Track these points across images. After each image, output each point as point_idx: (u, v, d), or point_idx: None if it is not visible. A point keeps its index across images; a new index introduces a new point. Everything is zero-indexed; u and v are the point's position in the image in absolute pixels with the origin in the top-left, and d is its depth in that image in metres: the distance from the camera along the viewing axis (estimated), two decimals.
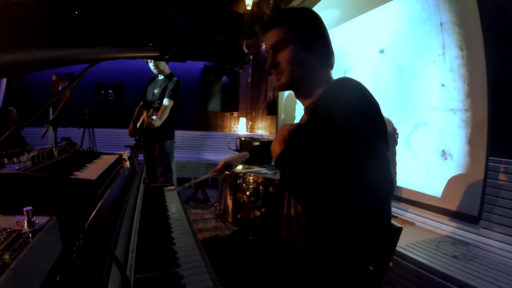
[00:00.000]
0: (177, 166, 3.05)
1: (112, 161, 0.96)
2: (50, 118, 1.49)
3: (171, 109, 2.79)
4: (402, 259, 1.62)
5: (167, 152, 2.86)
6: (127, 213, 0.80)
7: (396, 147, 2.39)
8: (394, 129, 2.43)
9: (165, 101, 2.76)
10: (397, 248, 1.51)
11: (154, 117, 2.55)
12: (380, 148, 0.78)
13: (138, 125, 2.85)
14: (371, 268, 0.93)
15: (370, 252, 0.86)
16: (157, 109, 2.64)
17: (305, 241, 0.93)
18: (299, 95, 1.02)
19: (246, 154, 1.49)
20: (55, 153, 0.87)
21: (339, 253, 0.84)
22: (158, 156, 2.86)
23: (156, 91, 2.87)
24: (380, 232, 0.81)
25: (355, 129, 0.77)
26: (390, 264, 1.61)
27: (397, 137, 2.41)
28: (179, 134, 2.99)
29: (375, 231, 0.80)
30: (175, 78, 2.87)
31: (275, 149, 0.93)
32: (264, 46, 1.23)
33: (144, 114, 2.65)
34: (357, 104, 0.81)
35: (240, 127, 6.00)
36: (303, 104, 1.03)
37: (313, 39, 0.96)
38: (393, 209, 2.32)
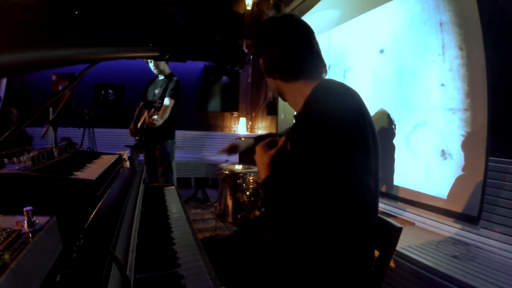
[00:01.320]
0: (177, 166, 3.05)
1: (112, 161, 0.96)
2: (50, 118, 1.48)
3: (172, 108, 2.80)
4: (402, 259, 1.62)
5: (168, 152, 2.87)
6: (127, 213, 0.80)
7: (396, 147, 2.39)
8: (391, 120, 2.40)
9: (166, 101, 2.76)
10: (397, 248, 1.51)
11: (155, 117, 2.56)
12: (369, 148, 0.80)
13: (139, 125, 2.86)
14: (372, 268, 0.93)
15: (363, 250, 0.87)
16: (158, 109, 2.64)
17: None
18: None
19: (251, 140, 1.57)
20: (55, 153, 0.87)
21: (336, 253, 0.84)
22: (158, 156, 2.86)
23: (157, 91, 2.88)
24: (370, 229, 0.84)
25: (345, 132, 0.77)
26: (391, 264, 1.61)
27: (394, 128, 2.38)
28: (179, 134, 3.00)
29: (367, 228, 0.83)
30: (175, 78, 2.87)
31: (261, 174, 0.95)
32: None
33: (145, 113, 2.65)
34: (343, 107, 0.81)
35: (240, 127, 6.00)
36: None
37: (261, 59, 0.99)
38: (393, 209, 2.32)
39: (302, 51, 0.93)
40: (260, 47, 0.97)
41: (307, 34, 0.94)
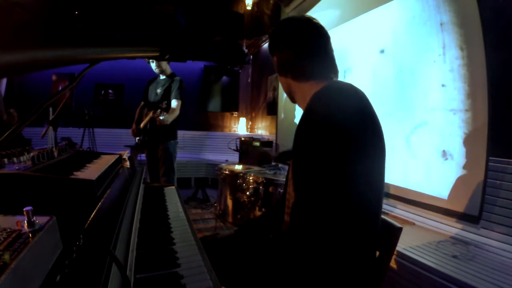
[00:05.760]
0: (177, 166, 3.06)
1: (112, 161, 0.96)
2: (50, 118, 1.49)
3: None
4: (402, 259, 1.62)
5: (170, 152, 2.87)
6: (127, 213, 0.80)
7: (396, 148, 2.39)
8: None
9: (174, 102, 2.77)
10: (397, 248, 1.51)
11: (161, 117, 2.56)
12: (370, 148, 0.80)
13: (141, 125, 2.85)
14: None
15: (365, 249, 0.86)
16: (165, 110, 2.65)
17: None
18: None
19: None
20: (55, 153, 0.87)
21: (339, 253, 0.84)
22: (161, 156, 2.86)
23: (158, 91, 2.88)
24: (372, 230, 0.84)
25: (344, 131, 0.77)
26: (391, 264, 1.61)
27: None
28: (179, 134, 3.01)
29: (368, 228, 0.84)
30: (177, 78, 2.87)
31: None
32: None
33: (151, 114, 2.66)
34: (343, 107, 0.81)
35: (240, 127, 6.00)
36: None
37: (275, 57, 1.00)
38: (392, 209, 2.32)
39: (316, 55, 0.94)
40: (276, 45, 0.99)
41: (323, 38, 0.95)
